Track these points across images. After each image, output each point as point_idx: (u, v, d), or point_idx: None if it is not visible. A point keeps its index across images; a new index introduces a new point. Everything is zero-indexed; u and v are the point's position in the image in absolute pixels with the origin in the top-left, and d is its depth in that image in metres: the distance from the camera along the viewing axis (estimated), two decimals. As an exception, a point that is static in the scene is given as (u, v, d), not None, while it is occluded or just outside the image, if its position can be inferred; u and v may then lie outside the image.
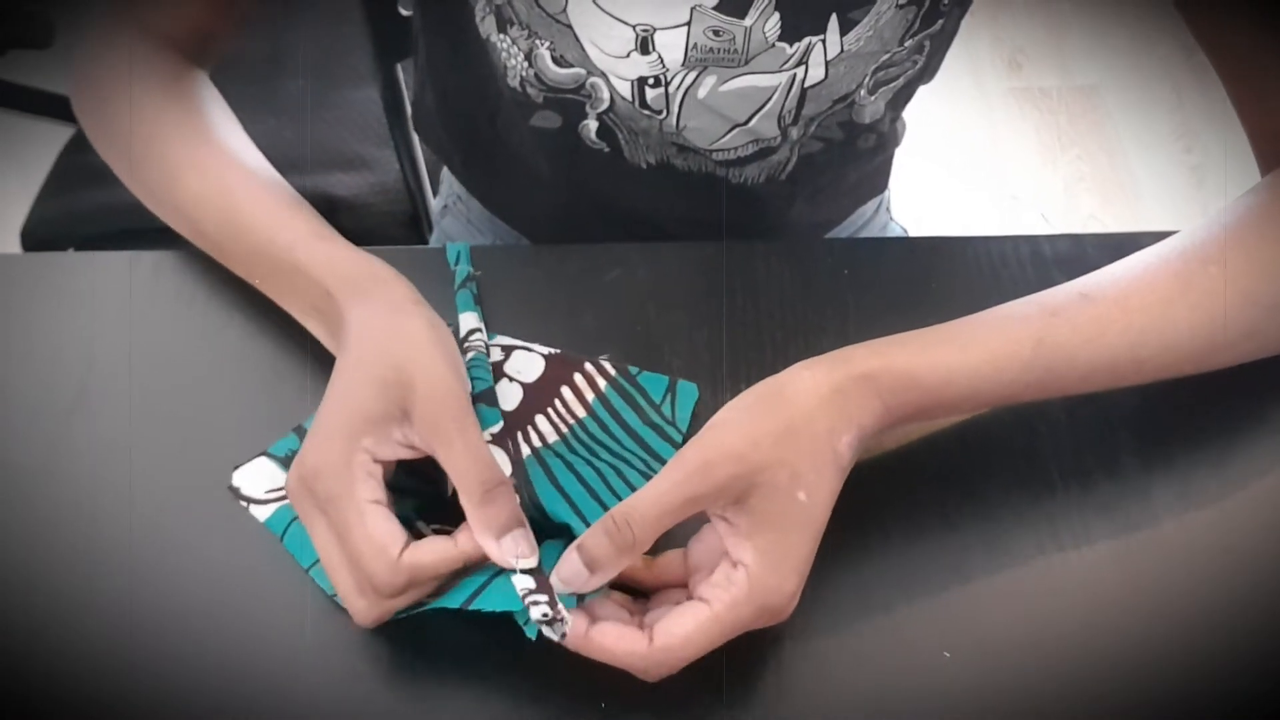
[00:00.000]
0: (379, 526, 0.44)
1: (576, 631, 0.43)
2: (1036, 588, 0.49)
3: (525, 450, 0.52)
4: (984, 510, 0.52)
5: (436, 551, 0.44)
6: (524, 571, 0.44)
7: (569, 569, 0.43)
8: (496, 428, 0.50)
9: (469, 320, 0.56)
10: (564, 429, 0.53)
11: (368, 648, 0.48)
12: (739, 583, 0.43)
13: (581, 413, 0.53)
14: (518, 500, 0.45)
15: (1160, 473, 0.53)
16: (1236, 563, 0.50)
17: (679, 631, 0.43)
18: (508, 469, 0.48)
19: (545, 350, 0.56)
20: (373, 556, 0.43)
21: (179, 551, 0.51)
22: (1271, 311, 0.51)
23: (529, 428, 0.53)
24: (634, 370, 0.55)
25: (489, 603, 0.45)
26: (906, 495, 0.52)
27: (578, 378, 0.55)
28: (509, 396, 0.54)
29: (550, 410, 0.54)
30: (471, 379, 0.52)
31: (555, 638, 0.43)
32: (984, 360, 0.47)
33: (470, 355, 0.54)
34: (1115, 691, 0.46)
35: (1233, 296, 0.50)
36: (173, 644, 0.48)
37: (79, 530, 0.51)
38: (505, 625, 0.45)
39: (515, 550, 0.44)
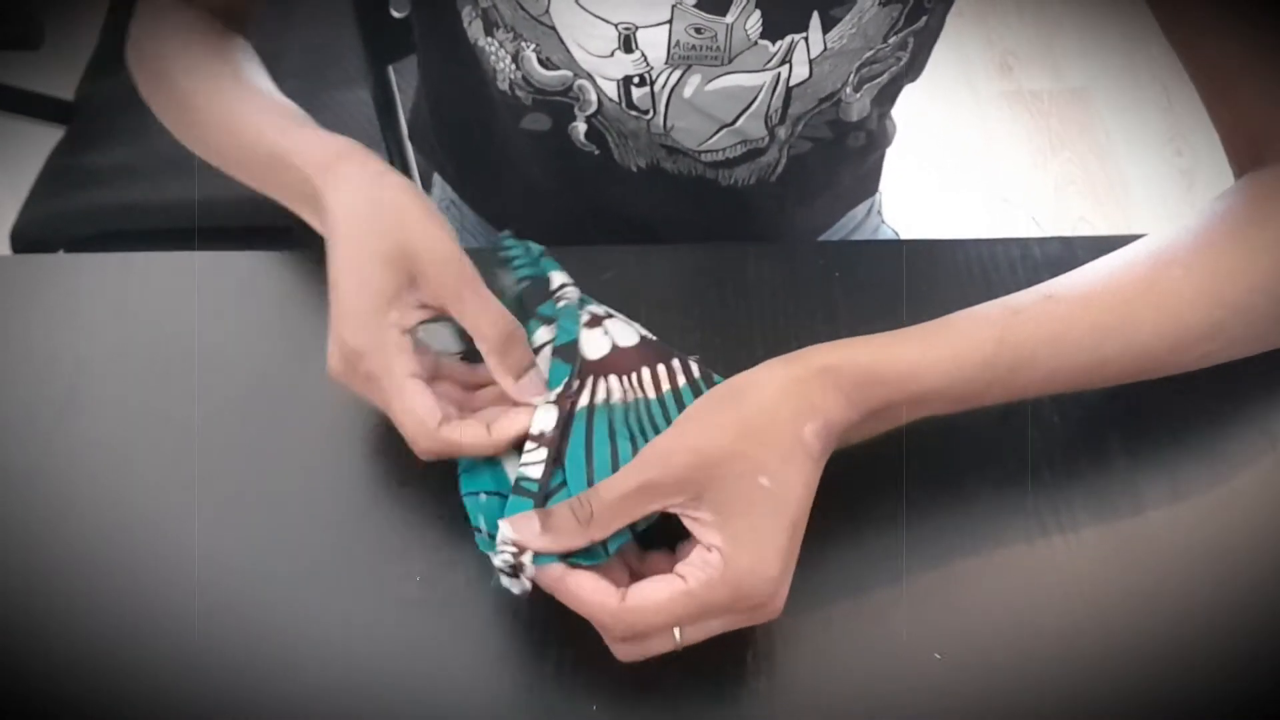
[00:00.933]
0: (416, 400, 0.48)
1: (552, 574, 0.44)
2: (1027, 586, 0.49)
3: (584, 401, 0.52)
4: (974, 508, 0.52)
5: (470, 435, 0.48)
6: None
7: (522, 520, 0.45)
8: (559, 388, 0.51)
9: (558, 277, 0.57)
10: (630, 398, 0.52)
11: (358, 640, 0.48)
12: (714, 563, 0.43)
13: (652, 394, 0.53)
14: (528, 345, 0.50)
15: (1148, 468, 0.53)
16: (1226, 558, 0.50)
17: (653, 596, 0.43)
18: (550, 425, 0.49)
19: (643, 332, 0.56)
20: (413, 427, 0.48)
21: (173, 553, 0.51)
22: (1236, 312, 0.51)
23: (601, 380, 0.53)
24: (718, 378, 0.55)
25: (479, 509, 0.48)
26: (895, 494, 0.52)
27: (661, 368, 0.54)
28: (599, 346, 0.54)
29: (625, 377, 0.53)
30: (558, 328, 0.53)
31: (515, 591, 0.44)
32: (945, 356, 0.48)
33: (561, 304, 0.55)
34: (1106, 689, 0.47)
35: (1197, 296, 0.50)
36: (171, 644, 0.48)
37: (70, 533, 0.51)
38: (501, 625, 0.45)
39: (533, 388, 0.50)
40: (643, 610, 0.43)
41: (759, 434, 0.45)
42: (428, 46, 0.73)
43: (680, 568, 0.44)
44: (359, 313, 0.49)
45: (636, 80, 0.62)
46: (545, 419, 0.50)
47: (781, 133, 0.66)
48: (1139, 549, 0.51)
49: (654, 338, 0.56)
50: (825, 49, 0.61)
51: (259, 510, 0.52)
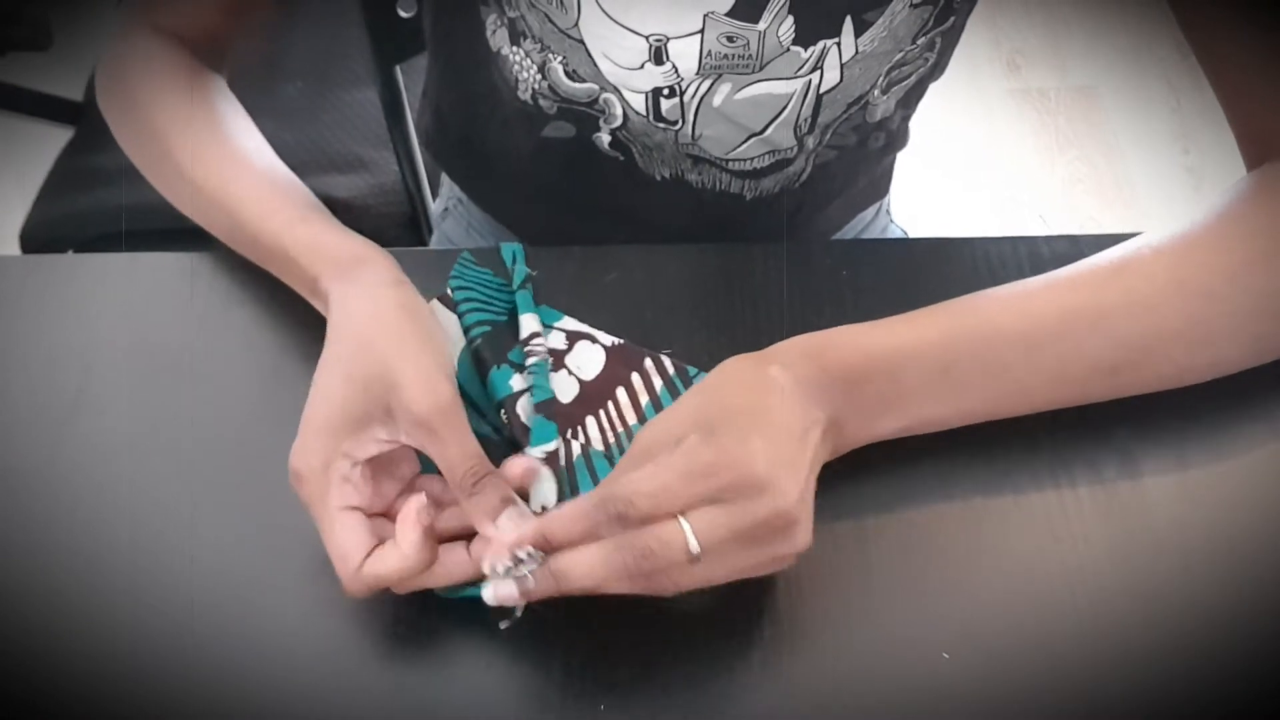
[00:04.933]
0: (344, 536, 0.46)
1: (526, 534, 0.44)
2: (1035, 585, 0.49)
3: (576, 450, 0.52)
4: (980, 507, 0.52)
5: (391, 563, 0.45)
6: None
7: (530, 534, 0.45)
8: (551, 445, 0.50)
9: (530, 323, 0.56)
10: (610, 439, 0.53)
11: (365, 644, 0.48)
12: (693, 444, 0.43)
13: (632, 419, 0.53)
14: (505, 485, 0.47)
15: (1157, 467, 0.53)
16: (1236, 557, 0.50)
17: (631, 473, 0.43)
18: (552, 497, 0.48)
19: (609, 341, 0.56)
20: (338, 562, 0.46)
21: (178, 554, 0.51)
22: (1212, 301, 0.51)
23: (579, 427, 0.53)
24: (692, 371, 0.55)
25: (460, 593, 0.47)
26: (902, 494, 0.52)
27: (635, 378, 0.55)
28: (566, 389, 0.54)
29: (602, 413, 0.54)
30: (533, 387, 0.52)
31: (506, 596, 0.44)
32: (898, 321, 0.50)
33: (532, 361, 0.54)
34: (1114, 687, 0.47)
35: (1167, 282, 0.50)
36: (173, 646, 0.48)
37: (77, 533, 0.52)
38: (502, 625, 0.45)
39: (511, 529, 0.45)
40: (630, 484, 0.42)
41: (729, 378, 0.47)
42: (441, 50, 0.73)
43: None
44: (311, 430, 0.47)
45: (666, 92, 0.62)
46: (546, 491, 0.49)
47: (810, 142, 0.66)
48: (1147, 549, 0.50)
49: (621, 342, 0.56)
50: (857, 53, 0.60)
51: (266, 510, 0.52)
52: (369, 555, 0.45)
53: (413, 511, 0.45)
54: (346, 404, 0.47)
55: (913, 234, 0.86)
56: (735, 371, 0.47)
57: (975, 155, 1.81)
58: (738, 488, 0.42)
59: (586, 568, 0.43)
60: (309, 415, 0.48)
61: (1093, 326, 0.50)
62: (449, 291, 0.57)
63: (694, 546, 0.42)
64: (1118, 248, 0.53)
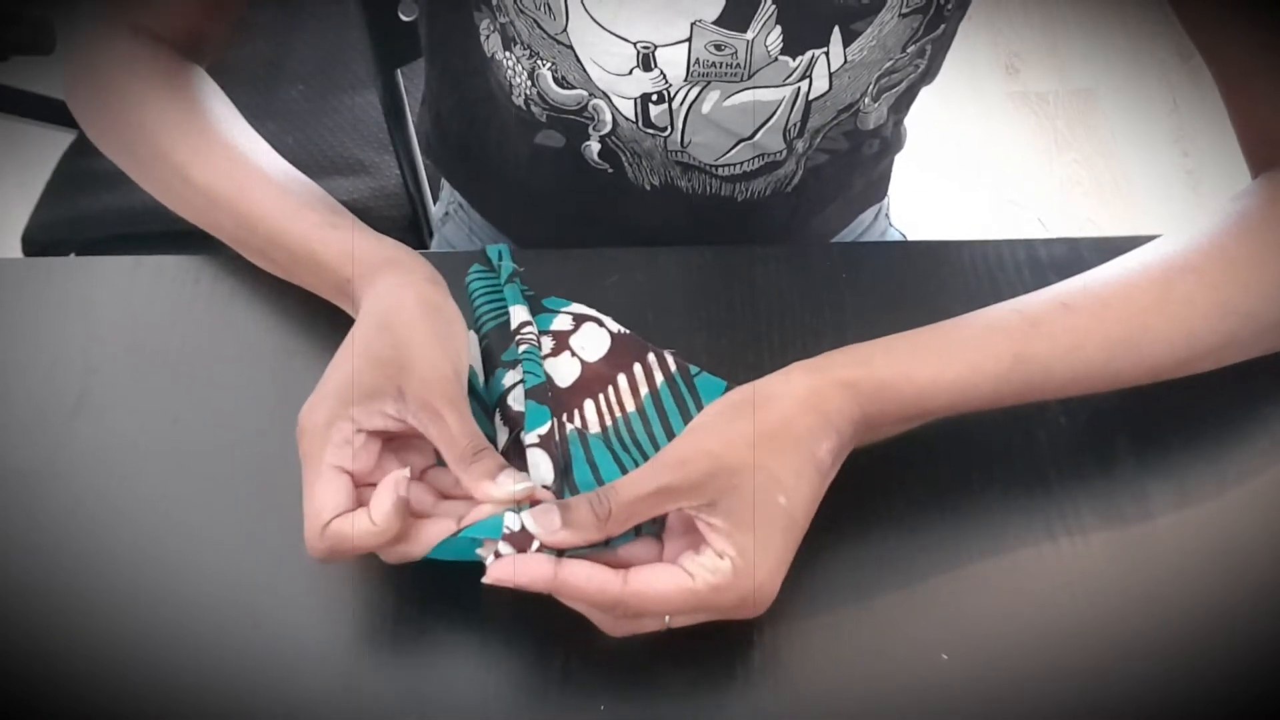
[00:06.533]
0: (323, 492, 0.46)
1: (543, 574, 0.43)
2: (1033, 588, 0.49)
3: (569, 428, 0.52)
4: (981, 510, 0.52)
5: (359, 527, 0.45)
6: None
7: (543, 512, 0.45)
8: (544, 428, 0.50)
9: (519, 313, 0.56)
10: (608, 421, 0.53)
11: (365, 644, 0.48)
12: (724, 572, 0.43)
13: (631, 407, 0.53)
14: (502, 459, 0.48)
15: (1156, 471, 0.53)
16: (1233, 562, 0.50)
17: (657, 585, 0.43)
18: (550, 476, 0.48)
19: (615, 328, 0.56)
20: (309, 516, 0.46)
21: (182, 555, 0.51)
22: (1246, 318, 0.51)
23: (576, 411, 0.53)
24: (694, 370, 0.55)
25: (443, 553, 0.46)
26: (903, 496, 0.52)
27: (637, 368, 0.55)
28: (568, 372, 0.54)
29: (601, 397, 0.54)
30: (524, 373, 0.53)
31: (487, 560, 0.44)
32: (961, 375, 0.48)
33: (523, 349, 0.54)
34: (1112, 691, 0.47)
35: (1209, 306, 0.50)
36: (176, 646, 0.48)
37: (78, 534, 0.52)
38: (508, 624, 0.45)
39: (511, 482, 0.46)
40: (644, 596, 0.43)
41: (777, 448, 0.45)
42: (439, 56, 0.73)
43: (689, 564, 0.44)
44: (322, 393, 0.48)
45: (655, 98, 0.62)
46: (543, 472, 0.49)
47: (800, 145, 0.66)
48: (1146, 552, 0.51)
49: (627, 332, 0.56)
50: (845, 62, 0.60)
51: (268, 511, 0.52)
52: (339, 516, 0.45)
53: (392, 480, 0.46)
54: (359, 375, 0.48)
55: (912, 237, 0.86)
56: (790, 442, 0.45)
57: (974, 158, 1.81)
58: (738, 613, 0.45)
59: (574, 605, 0.45)
60: (323, 381, 0.49)
61: (1136, 362, 0.51)
62: (469, 296, 0.57)
63: (666, 627, 0.45)
64: (1154, 260, 0.52)
